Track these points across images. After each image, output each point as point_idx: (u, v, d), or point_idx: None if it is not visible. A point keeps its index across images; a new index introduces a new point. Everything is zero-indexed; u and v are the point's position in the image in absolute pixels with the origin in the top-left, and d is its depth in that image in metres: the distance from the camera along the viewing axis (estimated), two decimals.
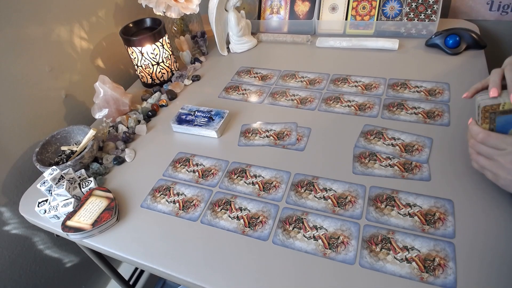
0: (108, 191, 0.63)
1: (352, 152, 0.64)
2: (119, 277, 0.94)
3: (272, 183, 0.61)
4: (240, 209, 0.58)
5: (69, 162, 0.66)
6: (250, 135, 0.72)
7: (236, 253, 0.52)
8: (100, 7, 0.91)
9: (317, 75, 0.86)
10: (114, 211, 0.59)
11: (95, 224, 0.57)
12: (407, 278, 0.45)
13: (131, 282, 1.08)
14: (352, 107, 0.74)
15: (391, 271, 0.46)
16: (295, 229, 0.53)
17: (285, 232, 0.53)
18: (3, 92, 0.71)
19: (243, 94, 0.85)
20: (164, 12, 0.88)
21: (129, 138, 0.76)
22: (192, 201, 0.61)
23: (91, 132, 0.71)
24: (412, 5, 0.90)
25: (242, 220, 0.56)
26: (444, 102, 0.71)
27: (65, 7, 0.81)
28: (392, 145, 0.64)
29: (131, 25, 0.90)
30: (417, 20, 0.90)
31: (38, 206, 0.62)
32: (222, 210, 0.58)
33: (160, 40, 0.87)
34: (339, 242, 0.51)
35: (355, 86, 0.80)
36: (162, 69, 0.91)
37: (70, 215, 0.59)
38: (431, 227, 0.50)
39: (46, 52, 0.78)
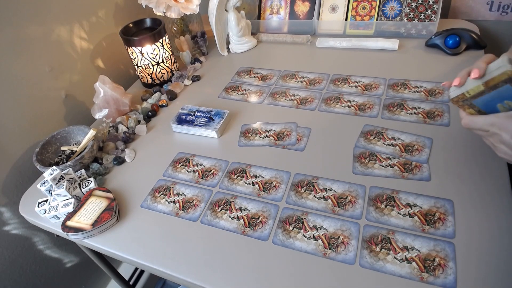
0: (108, 191, 0.63)
1: (352, 152, 0.64)
2: (119, 277, 0.94)
3: (272, 183, 0.61)
4: (240, 209, 0.58)
5: (69, 162, 0.66)
6: (250, 135, 0.72)
7: (236, 253, 0.52)
8: (100, 7, 0.91)
9: (317, 75, 0.86)
10: (114, 211, 0.59)
11: (95, 224, 0.57)
12: (407, 278, 0.45)
13: (131, 282, 1.08)
14: (352, 107, 0.74)
15: (391, 271, 0.46)
16: (295, 229, 0.53)
17: (285, 232, 0.53)
18: (3, 92, 0.71)
19: (243, 94, 0.85)
20: (164, 12, 0.88)
21: (129, 138, 0.76)
22: (192, 201, 0.61)
23: (91, 132, 0.71)
24: (412, 5, 0.90)
25: (242, 220, 0.56)
26: (444, 102, 0.71)
27: (65, 7, 0.81)
28: (392, 145, 0.64)
29: (131, 25, 0.90)
30: (417, 20, 0.90)
31: (38, 206, 0.63)
32: (222, 210, 0.58)
33: (160, 40, 0.87)
34: (339, 242, 0.51)
35: (355, 86, 0.80)
36: (162, 69, 0.91)
37: (70, 215, 0.59)
38: (431, 227, 0.50)
39: (46, 52, 0.78)
